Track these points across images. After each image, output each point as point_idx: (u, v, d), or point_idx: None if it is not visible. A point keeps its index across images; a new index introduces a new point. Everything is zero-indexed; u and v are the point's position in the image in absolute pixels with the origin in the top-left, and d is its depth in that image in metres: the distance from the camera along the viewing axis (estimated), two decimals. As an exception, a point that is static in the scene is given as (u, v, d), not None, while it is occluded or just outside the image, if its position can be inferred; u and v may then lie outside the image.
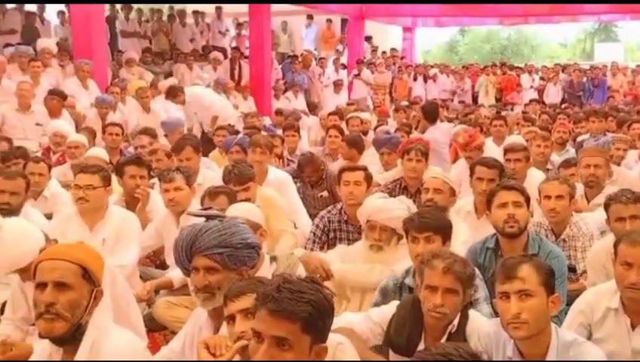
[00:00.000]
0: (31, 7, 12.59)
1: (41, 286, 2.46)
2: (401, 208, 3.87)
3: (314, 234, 4.70)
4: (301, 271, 3.61)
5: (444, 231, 3.39)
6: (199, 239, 2.85)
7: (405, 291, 3.30)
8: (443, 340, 2.80)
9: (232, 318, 2.54)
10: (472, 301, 3.16)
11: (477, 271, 3.16)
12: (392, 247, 3.84)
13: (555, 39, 35.03)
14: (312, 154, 6.54)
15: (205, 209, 3.21)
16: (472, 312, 2.93)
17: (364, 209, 4.00)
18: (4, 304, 3.84)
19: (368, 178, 4.71)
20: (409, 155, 5.42)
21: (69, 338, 2.48)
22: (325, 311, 2.15)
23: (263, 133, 7.68)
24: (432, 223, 3.35)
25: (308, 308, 2.09)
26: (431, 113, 8.01)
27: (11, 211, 4.31)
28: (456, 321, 2.84)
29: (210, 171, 6.16)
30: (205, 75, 12.96)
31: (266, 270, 3.32)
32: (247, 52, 14.85)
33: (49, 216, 4.90)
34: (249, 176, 4.91)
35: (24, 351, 3.26)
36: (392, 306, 3.03)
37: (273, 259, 3.42)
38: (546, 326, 2.57)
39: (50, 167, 5.55)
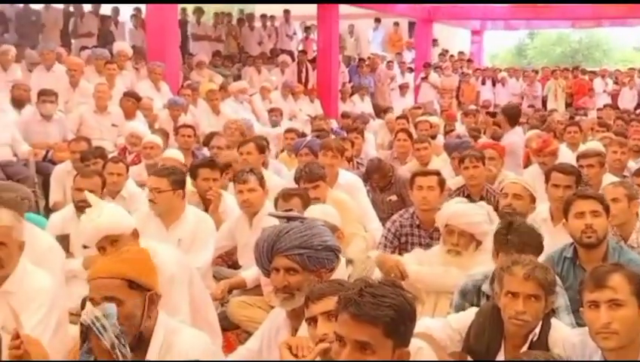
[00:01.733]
0: (106, 11, 12.96)
1: (93, 302, 2.50)
2: (480, 213, 3.82)
3: (385, 238, 4.67)
4: (377, 275, 3.59)
5: (539, 249, 3.31)
6: (280, 240, 2.88)
7: (483, 296, 3.25)
8: (524, 349, 2.75)
9: (313, 320, 2.55)
10: (553, 309, 3.09)
11: (557, 279, 3.09)
12: (470, 253, 3.79)
13: (629, 43, 33.95)
14: (379, 160, 6.51)
15: (287, 211, 3.23)
16: (554, 321, 2.87)
17: (442, 213, 3.96)
18: (84, 299, 3.97)
19: (441, 182, 4.66)
20: (464, 163, 5.38)
21: (134, 347, 2.50)
22: (407, 315, 2.14)
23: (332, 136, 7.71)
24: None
25: (390, 312, 2.08)
26: (513, 116, 7.90)
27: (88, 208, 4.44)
28: (537, 329, 2.78)
29: (276, 176, 6.21)
30: (273, 78, 13.09)
31: (341, 272, 3.31)
32: (314, 55, 14.93)
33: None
34: (319, 175, 4.95)
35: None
36: (471, 312, 2.99)
37: (349, 262, 3.43)
38: (637, 337, 2.49)
39: (127, 168, 5.69)
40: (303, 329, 2.80)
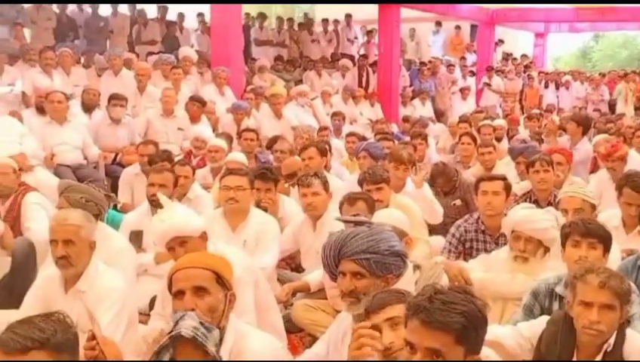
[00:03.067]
0: (171, 17, 13.23)
1: (179, 294, 2.54)
2: (548, 219, 3.75)
3: (449, 243, 4.63)
4: (445, 281, 3.56)
5: (607, 241, 3.29)
6: (347, 244, 2.89)
7: (555, 299, 3.19)
8: (598, 359, 2.68)
9: (377, 329, 2.54)
10: (628, 319, 3.00)
11: (634, 287, 3.01)
12: (537, 259, 3.72)
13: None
14: (444, 164, 6.46)
15: (353, 215, 3.24)
16: (629, 331, 2.79)
17: (508, 219, 3.90)
18: (153, 298, 4.05)
19: (507, 187, 4.59)
20: (534, 167, 5.28)
21: None
22: (479, 322, 2.11)
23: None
24: (597, 230, 3.28)
25: (461, 319, 2.06)
26: (586, 126, 7.78)
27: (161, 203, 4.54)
28: (612, 340, 2.70)
29: (337, 179, 6.22)
30: (334, 82, 13.13)
31: (408, 278, 3.30)
32: (375, 59, 14.91)
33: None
34: (382, 178, 4.94)
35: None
36: (542, 321, 2.93)
37: (416, 267, 3.40)
38: None
39: (194, 170, 5.79)
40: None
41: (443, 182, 6.07)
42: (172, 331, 2.38)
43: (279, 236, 4.73)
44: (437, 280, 3.37)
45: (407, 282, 3.18)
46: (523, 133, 10.30)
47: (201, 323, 2.41)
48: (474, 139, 7.70)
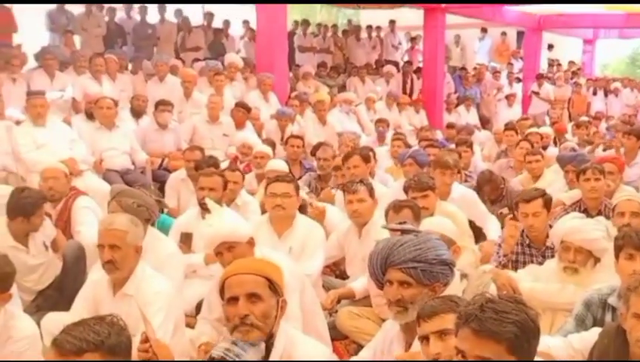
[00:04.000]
0: (217, 24, 13.39)
1: (232, 300, 2.55)
2: (598, 229, 3.68)
3: (497, 253, 4.57)
4: (493, 290, 3.51)
5: None
6: (394, 252, 2.87)
7: (608, 310, 3.13)
8: (651, 373, 2.62)
9: (425, 338, 2.53)
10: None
11: None
12: (588, 270, 3.65)
13: None
14: (490, 172, 6.40)
15: (400, 223, 3.22)
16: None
17: (557, 229, 3.83)
18: (200, 302, 4.09)
19: (547, 203, 4.42)
20: (585, 175, 5.18)
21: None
22: (531, 332, 2.09)
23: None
24: None
25: (513, 328, 2.04)
26: None
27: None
28: (666, 354, 2.64)
29: (382, 186, 6.20)
30: (378, 88, 13.11)
31: (455, 287, 3.27)
32: (419, 65, 14.85)
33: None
34: (428, 185, 4.92)
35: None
36: (594, 333, 2.87)
37: (464, 276, 3.37)
38: None
39: (243, 176, 5.83)
40: (417, 343, 2.78)
41: (490, 190, 6.02)
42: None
43: (324, 242, 4.73)
44: (485, 290, 3.33)
45: (454, 291, 3.15)
46: (571, 140, 10.14)
47: (235, 343, 2.43)
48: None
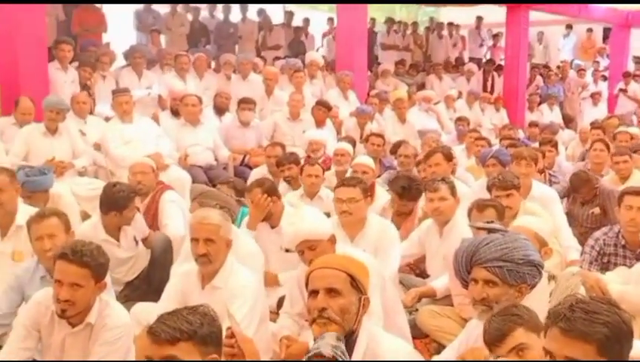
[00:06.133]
0: (297, 23, 13.53)
1: (313, 293, 2.57)
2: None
3: (588, 255, 4.45)
4: (582, 293, 3.43)
5: None
6: (480, 251, 2.85)
7: None
8: None
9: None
10: None
11: None
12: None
13: None
14: (586, 173, 6.22)
15: (487, 222, 3.19)
16: None
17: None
18: (281, 299, 4.16)
19: None
20: None
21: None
22: (623, 335, 2.04)
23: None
24: None
25: (603, 329, 2.00)
26: None
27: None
28: None
29: (463, 185, 6.12)
30: (454, 87, 12.94)
31: (543, 289, 3.22)
32: (501, 63, 14.58)
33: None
34: (512, 184, 4.83)
35: (302, 349, 3.47)
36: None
37: (551, 277, 3.31)
38: None
39: (324, 170, 5.87)
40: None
41: (586, 191, 5.85)
42: (312, 351, 2.42)
43: (398, 241, 4.65)
44: (574, 292, 3.27)
45: (542, 292, 3.11)
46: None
47: (338, 338, 2.43)
48: (607, 146, 7.36)
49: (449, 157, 6.09)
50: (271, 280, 4.59)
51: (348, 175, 6.02)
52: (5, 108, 7.14)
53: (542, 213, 4.97)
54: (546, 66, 15.57)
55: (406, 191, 5.21)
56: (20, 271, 3.77)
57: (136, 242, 4.83)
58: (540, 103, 13.43)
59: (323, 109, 8.54)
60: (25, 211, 4.35)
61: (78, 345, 3.14)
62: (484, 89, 13.43)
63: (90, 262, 3.01)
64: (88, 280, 3.01)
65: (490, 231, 2.94)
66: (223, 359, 2.43)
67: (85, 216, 5.40)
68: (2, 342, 3.66)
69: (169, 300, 3.58)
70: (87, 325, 3.11)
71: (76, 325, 3.11)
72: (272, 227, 4.79)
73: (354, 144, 7.85)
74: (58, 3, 9.76)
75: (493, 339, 2.51)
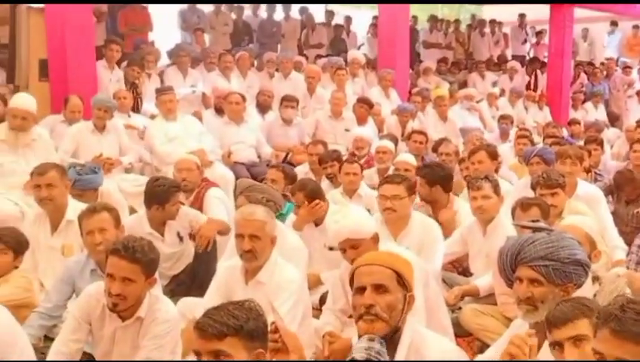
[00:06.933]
0: (339, 21, 13.54)
1: (359, 290, 2.57)
2: None
3: (635, 254, 4.38)
4: (628, 295, 3.39)
5: None
6: (525, 249, 2.83)
7: None
8: None
9: (558, 344, 2.47)
10: None
11: None
12: None
13: None
14: (631, 171, 6.13)
15: (533, 221, 3.17)
16: None
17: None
18: (325, 294, 4.19)
19: None
20: None
21: (388, 341, 2.52)
22: None
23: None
24: None
25: None
26: None
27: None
28: None
29: (506, 183, 6.08)
30: (497, 85, 12.81)
31: (587, 289, 3.19)
32: (544, 60, 14.38)
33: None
34: (558, 183, 4.77)
35: (345, 345, 3.49)
36: None
37: (595, 278, 3.28)
38: None
39: (362, 168, 5.90)
40: (547, 345, 2.73)
41: (631, 190, 5.77)
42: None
43: (441, 239, 4.65)
44: (620, 293, 3.22)
45: (586, 293, 3.08)
46: None
47: (371, 339, 2.44)
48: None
49: (493, 155, 6.05)
50: (314, 282, 4.61)
51: (389, 173, 6.02)
52: (55, 106, 7.33)
53: (587, 212, 4.91)
54: (591, 64, 15.29)
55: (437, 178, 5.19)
56: (71, 264, 3.87)
57: (181, 239, 4.89)
58: (584, 101, 13.23)
59: (365, 107, 8.55)
60: (74, 206, 4.48)
61: (127, 338, 3.21)
62: (527, 87, 13.27)
63: (142, 258, 3.07)
64: (139, 276, 3.08)
65: (535, 229, 2.92)
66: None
67: (132, 213, 5.50)
68: (53, 333, 3.78)
69: (213, 295, 3.64)
70: (137, 319, 3.18)
71: (126, 319, 3.18)
72: (317, 225, 4.83)
73: (396, 142, 7.84)
74: (105, 3, 9.94)
75: (556, 321, 2.47)
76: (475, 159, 5.92)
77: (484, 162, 5.87)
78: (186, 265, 4.90)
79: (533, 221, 3.23)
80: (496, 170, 6.20)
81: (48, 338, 3.78)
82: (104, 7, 9.98)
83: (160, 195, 4.70)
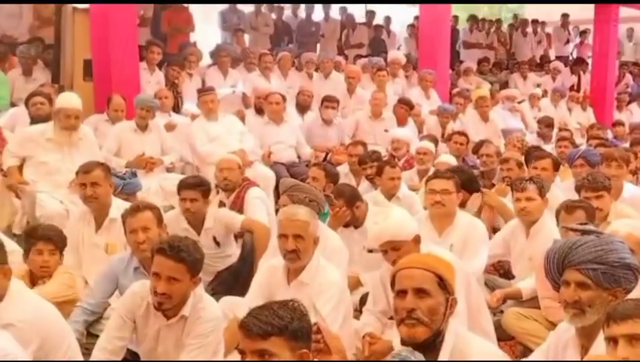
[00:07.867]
0: (378, 21, 13.51)
1: (401, 293, 2.54)
2: None
3: None
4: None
5: None
6: (573, 252, 2.78)
7: None
8: None
9: (613, 340, 2.43)
10: None
11: None
12: None
13: None
14: (673, 173, 5.99)
15: (581, 224, 3.12)
16: None
17: None
18: (365, 295, 4.18)
19: None
20: None
21: (430, 345, 2.51)
22: None
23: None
24: None
25: None
26: None
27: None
28: None
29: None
30: (539, 85, 12.63)
31: (636, 295, 3.12)
32: (588, 60, 14.16)
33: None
34: (603, 185, 4.68)
35: (385, 346, 3.47)
36: None
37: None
38: None
39: (401, 171, 5.87)
40: (595, 348, 2.68)
41: None
42: None
43: (487, 240, 4.64)
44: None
45: (634, 296, 3.01)
46: None
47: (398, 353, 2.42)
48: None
49: (556, 166, 5.87)
50: (353, 284, 4.59)
51: (430, 174, 5.97)
52: (98, 106, 7.44)
53: (634, 215, 4.81)
54: (636, 64, 15.00)
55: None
56: (115, 262, 3.93)
57: (217, 244, 4.88)
58: (629, 102, 12.98)
59: (405, 107, 8.51)
60: (118, 205, 4.54)
61: (172, 337, 3.23)
62: (571, 87, 13.07)
63: (187, 257, 3.08)
64: (184, 275, 3.09)
65: (583, 232, 2.86)
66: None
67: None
68: (94, 329, 3.84)
69: (255, 295, 3.65)
70: (181, 317, 3.19)
71: (171, 317, 3.20)
72: (356, 227, 4.82)
73: (436, 143, 7.77)
74: (148, 2, 10.06)
75: (616, 316, 2.42)
76: (538, 165, 5.76)
77: (548, 170, 5.72)
78: (229, 265, 4.93)
79: (581, 223, 3.17)
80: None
81: (90, 334, 3.83)
82: (149, 12, 10.11)
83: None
